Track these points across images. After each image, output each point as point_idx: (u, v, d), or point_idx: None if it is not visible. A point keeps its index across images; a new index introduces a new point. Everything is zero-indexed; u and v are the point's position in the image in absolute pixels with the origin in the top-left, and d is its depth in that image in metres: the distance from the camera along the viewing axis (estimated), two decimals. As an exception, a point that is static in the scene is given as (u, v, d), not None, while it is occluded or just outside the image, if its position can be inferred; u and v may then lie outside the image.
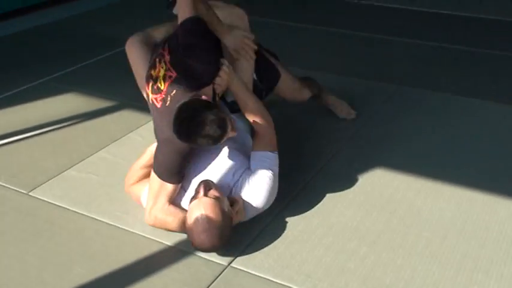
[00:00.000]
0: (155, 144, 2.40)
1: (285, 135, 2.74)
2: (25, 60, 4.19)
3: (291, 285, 2.10)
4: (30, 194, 2.63)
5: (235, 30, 2.56)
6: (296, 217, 2.44)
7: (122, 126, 3.21)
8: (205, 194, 2.17)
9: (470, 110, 3.37)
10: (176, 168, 2.30)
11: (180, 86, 2.29)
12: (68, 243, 2.33)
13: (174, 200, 2.35)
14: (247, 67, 2.59)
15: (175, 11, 2.73)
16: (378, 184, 2.69)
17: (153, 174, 2.33)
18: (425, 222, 2.42)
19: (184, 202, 2.35)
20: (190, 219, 2.15)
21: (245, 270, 2.18)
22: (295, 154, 2.88)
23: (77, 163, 2.86)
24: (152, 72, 2.41)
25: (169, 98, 2.29)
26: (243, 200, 2.30)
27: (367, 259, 2.22)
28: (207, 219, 2.11)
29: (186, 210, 2.27)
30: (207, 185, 2.21)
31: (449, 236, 2.34)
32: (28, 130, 3.18)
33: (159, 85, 2.34)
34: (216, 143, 2.18)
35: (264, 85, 2.75)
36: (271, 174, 2.34)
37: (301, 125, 3.19)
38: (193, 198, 2.20)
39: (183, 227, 2.25)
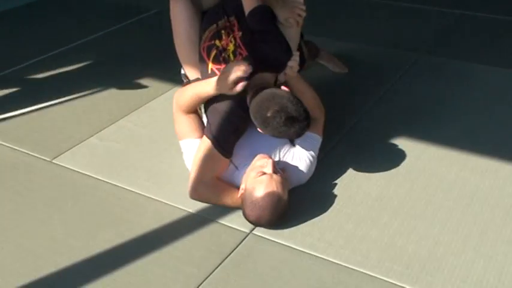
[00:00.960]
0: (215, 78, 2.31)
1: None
2: (43, 31, 4.19)
3: (312, 253, 2.12)
4: (53, 161, 2.66)
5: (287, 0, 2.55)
6: (317, 185, 2.44)
7: (142, 95, 3.21)
8: (275, 172, 2.18)
9: (494, 79, 3.32)
10: (230, 141, 2.29)
11: None
12: (92, 210, 2.36)
13: (222, 177, 2.32)
14: (295, 36, 2.55)
15: None
16: (400, 152, 2.67)
17: (204, 139, 2.30)
18: (448, 191, 2.42)
19: (233, 176, 2.33)
20: (258, 193, 2.13)
21: (267, 237, 2.20)
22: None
23: (99, 131, 2.88)
24: (217, 42, 2.43)
25: None
26: (286, 174, 2.32)
27: (388, 227, 2.23)
28: (278, 197, 2.13)
29: (233, 184, 2.29)
30: (274, 162, 2.23)
31: (473, 205, 2.33)
32: (49, 98, 3.20)
33: (226, 57, 2.38)
34: (298, 137, 2.26)
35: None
36: (312, 155, 2.41)
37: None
38: (259, 172, 2.17)
39: (233, 201, 2.26)
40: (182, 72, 2.65)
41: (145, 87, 3.31)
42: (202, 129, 2.41)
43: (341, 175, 2.52)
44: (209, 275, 2.03)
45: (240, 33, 2.45)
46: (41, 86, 3.35)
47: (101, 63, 3.62)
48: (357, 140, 2.79)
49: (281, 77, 2.42)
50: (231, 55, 2.41)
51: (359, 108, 3.04)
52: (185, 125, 2.43)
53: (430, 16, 4.29)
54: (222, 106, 2.31)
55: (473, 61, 3.51)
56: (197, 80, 2.49)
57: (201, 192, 2.29)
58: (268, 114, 2.12)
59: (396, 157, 2.65)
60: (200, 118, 2.47)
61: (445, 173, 2.53)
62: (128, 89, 3.29)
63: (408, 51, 3.68)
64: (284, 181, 2.20)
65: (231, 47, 2.42)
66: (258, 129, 2.23)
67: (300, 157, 2.39)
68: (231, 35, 2.44)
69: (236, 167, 2.33)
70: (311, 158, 2.40)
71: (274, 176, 2.17)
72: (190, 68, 2.55)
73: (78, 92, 3.27)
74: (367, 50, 3.71)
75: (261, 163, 2.22)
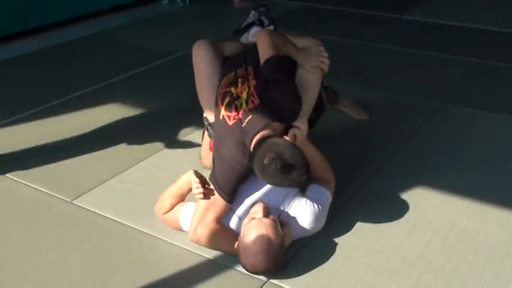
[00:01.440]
0: (188, 174, 2.33)
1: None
2: (70, 72, 4.28)
3: (330, 304, 2.09)
4: (74, 202, 2.68)
5: (310, 48, 2.62)
6: (335, 235, 2.43)
7: (164, 137, 3.24)
8: (265, 216, 2.18)
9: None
10: (232, 187, 2.29)
11: (259, 114, 2.33)
12: (110, 252, 2.36)
13: (221, 221, 2.32)
14: (318, 83, 2.59)
15: (243, 39, 2.87)
16: (420, 202, 2.65)
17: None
18: (469, 244, 2.38)
19: (233, 223, 2.33)
20: (248, 238, 2.12)
21: (284, 286, 2.17)
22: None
23: (119, 173, 2.91)
24: (232, 89, 2.46)
25: (246, 121, 2.32)
26: (290, 225, 2.31)
27: (408, 280, 2.19)
28: (268, 240, 2.11)
29: (233, 232, 2.29)
30: (266, 207, 2.22)
31: (494, 260, 2.29)
32: (71, 139, 3.25)
33: (238, 105, 2.39)
34: (297, 186, 2.26)
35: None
36: (320, 207, 2.37)
37: (336, 142, 3.17)
38: (250, 218, 2.20)
39: (232, 248, 2.23)
40: (204, 115, 2.69)
41: (168, 129, 3.34)
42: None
43: (360, 223, 2.50)
44: (225, 324, 2.01)
45: (254, 81, 2.48)
46: (63, 126, 3.40)
47: (123, 105, 3.67)
48: (377, 187, 2.77)
49: (294, 131, 2.39)
50: (244, 103, 2.41)
51: (380, 155, 3.03)
52: (174, 218, 2.44)
53: (452, 64, 4.31)
54: (227, 153, 2.32)
55: (496, 111, 3.50)
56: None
57: (200, 234, 2.26)
58: (265, 162, 2.11)
59: (416, 206, 2.62)
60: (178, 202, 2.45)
61: (466, 224, 2.50)
62: (150, 131, 3.33)
63: (429, 98, 3.68)
64: (275, 224, 2.17)
65: (244, 95, 2.43)
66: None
67: (308, 205, 2.34)
68: (246, 83, 2.47)
69: (239, 218, 2.32)
70: (320, 208, 2.35)
71: (264, 219, 2.15)
72: (211, 112, 2.58)
73: (100, 133, 3.32)
74: (387, 96, 3.73)
75: (254, 209, 2.23)
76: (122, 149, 3.14)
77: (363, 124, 3.32)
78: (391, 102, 3.64)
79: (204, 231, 2.25)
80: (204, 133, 2.81)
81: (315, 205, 2.35)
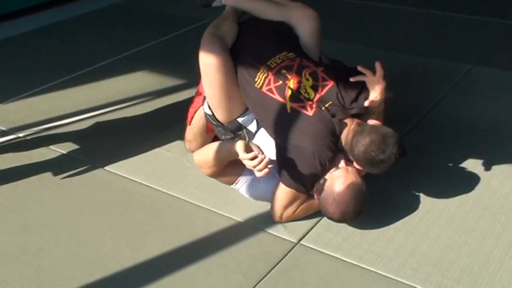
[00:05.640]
0: (239, 146, 2.21)
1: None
2: (95, 40, 4.30)
3: (360, 264, 2.09)
4: (105, 168, 2.72)
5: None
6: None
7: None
8: (347, 164, 2.21)
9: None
10: (309, 181, 2.25)
11: (336, 97, 2.28)
12: (141, 216, 2.39)
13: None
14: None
15: (216, 3, 2.72)
16: (451, 165, 2.62)
17: (285, 188, 2.25)
18: (502, 205, 2.35)
19: None
20: (338, 187, 2.14)
21: (314, 248, 2.18)
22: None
23: (150, 139, 2.92)
24: (281, 81, 2.32)
25: (326, 106, 2.25)
26: None
27: (439, 241, 2.18)
28: (359, 187, 2.15)
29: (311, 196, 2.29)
30: (346, 157, 2.23)
31: (527, 220, 2.26)
32: (102, 106, 3.27)
33: (305, 94, 2.29)
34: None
35: None
36: None
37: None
38: (333, 169, 2.21)
39: (315, 207, 2.28)
40: (209, 112, 2.50)
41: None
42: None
43: (390, 188, 2.48)
44: (256, 284, 2.02)
45: (312, 66, 2.38)
46: (94, 94, 3.43)
47: (152, 73, 3.68)
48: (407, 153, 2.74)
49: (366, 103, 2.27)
50: (311, 91, 2.30)
51: (408, 121, 2.99)
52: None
53: (484, 26, 4.21)
54: (311, 144, 2.21)
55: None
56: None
57: (288, 217, 2.30)
58: (381, 157, 2.09)
59: (447, 171, 2.60)
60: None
61: (498, 187, 2.46)
62: (178, 98, 3.33)
63: (460, 62, 3.61)
64: (359, 171, 2.20)
65: (308, 83, 2.32)
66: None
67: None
68: (303, 72, 2.34)
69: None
70: None
71: (350, 168, 2.19)
72: (226, 113, 2.43)
73: (131, 100, 3.34)
74: (416, 60, 3.67)
75: (337, 161, 2.23)
76: (152, 116, 3.16)
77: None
78: (418, 66, 3.58)
79: (291, 217, 2.30)
80: (192, 117, 2.67)
81: None
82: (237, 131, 2.45)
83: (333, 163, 2.23)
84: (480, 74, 3.47)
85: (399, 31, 4.22)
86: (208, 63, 2.39)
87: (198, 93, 2.68)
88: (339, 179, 2.15)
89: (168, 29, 4.37)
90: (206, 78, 2.43)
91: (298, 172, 2.22)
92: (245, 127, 2.44)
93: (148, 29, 4.46)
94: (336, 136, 2.22)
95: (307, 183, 2.23)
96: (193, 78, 3.52)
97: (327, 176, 2.20)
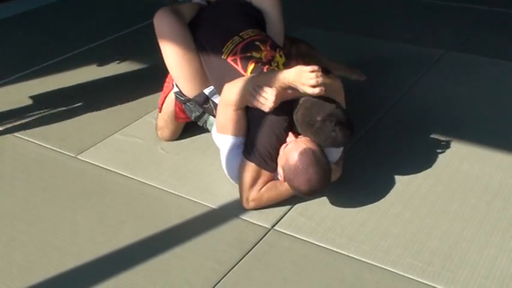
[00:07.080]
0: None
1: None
2: (69, 29, 4.25)
3: (333, 248, 2.12)
4: (78, 157, 2.70)
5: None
6: (338, 181, 2.43)
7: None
8: (296, 136, 2.22)
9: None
10: (268, 153, 2.25)
11: None
12: (116, 205, 2.39)
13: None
14: None
15: None
16: (423, 149, 2.66)
17: (246, 162, 2.26)
18: (471, 188, 2.39)
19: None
20: (292, 159, 2.14)
21: (288, 233, 2.20)
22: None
23: (123, 127, 2.91)
24: (254, 53, 2.35)
25: None
26: None
27: (410, 224, 2.21)
28: (311, 151, 2.14)
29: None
30: (295, 132, 2.24)
31: (496, 203, 2.30)
32: (73, 96, 3.24)
33: (275, 68, 2.32)
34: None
35: None
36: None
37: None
38: (285, 145, 2.22)
39: (286, 191, 2.26)
40: (176, 90, 2.56)
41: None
42: (245, 128, 2.32)
43: (362, 172, 2.51)
44: (230, 270, 2.04)
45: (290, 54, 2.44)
46: (65, 82, 3.39)
47: (127, 60, 3.65)
48: (379, 138, 2.77)
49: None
50: (282, 66, 2.34)
51: (380, 106, 3.02)
52: (233, 121, 2.29)
53: (456, 12, 4.25)
54: (269, 118, 2.25)
55: (500, 57, 3.47)
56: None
57: (252, 207, 2.29)
58: (318, 118, 2.11)
59: (418, 155, 2.63)
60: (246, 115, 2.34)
61: (468, 170, 2.51)
62: (152, 86, 3.31)
63: (432, 47, 3.65)
64: (310, 140, 2.19)
65: (278, 58, 2.37)
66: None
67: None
68: (269, 45, 2.40)
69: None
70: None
71: (298, 138, 2.20)
72: (195, 86, 2.47)
73: (102, 89, 3.32)
74: (388, 46, 3.69)
75: (288, 138, 2.24)
76: (125, 104, 3.14)
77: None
78: (390, 52, 3.60)
79: (257, 201, 2.28)
80: (162, 103, 2.69)
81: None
82: (204, 104, 2.46)
83: (287, 137, 2.26)
84: (453, 59, 3.50)
85: (371, 17, 4.24)
86: (162, 30, 2.47)
87: (168, 80, 2.68)
88: (291, 151, 2.17)
89: (141, 18, 4.33)
90: (163, 47, 2.50)
91: (257, 144, 2.24)
92: (211, 99, 2.44)
93: (122, 17, 4.42)
94: (290, 113, 2.24)
95: (265, 157, 2.24)
96: (165, 66, 3.52)
97: (282, 154, 2.21)
